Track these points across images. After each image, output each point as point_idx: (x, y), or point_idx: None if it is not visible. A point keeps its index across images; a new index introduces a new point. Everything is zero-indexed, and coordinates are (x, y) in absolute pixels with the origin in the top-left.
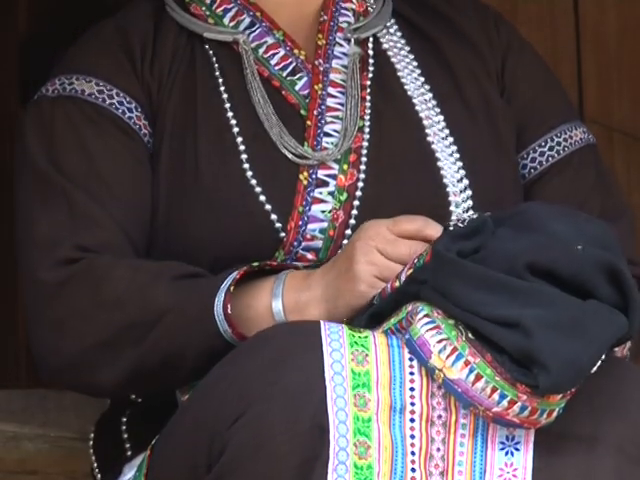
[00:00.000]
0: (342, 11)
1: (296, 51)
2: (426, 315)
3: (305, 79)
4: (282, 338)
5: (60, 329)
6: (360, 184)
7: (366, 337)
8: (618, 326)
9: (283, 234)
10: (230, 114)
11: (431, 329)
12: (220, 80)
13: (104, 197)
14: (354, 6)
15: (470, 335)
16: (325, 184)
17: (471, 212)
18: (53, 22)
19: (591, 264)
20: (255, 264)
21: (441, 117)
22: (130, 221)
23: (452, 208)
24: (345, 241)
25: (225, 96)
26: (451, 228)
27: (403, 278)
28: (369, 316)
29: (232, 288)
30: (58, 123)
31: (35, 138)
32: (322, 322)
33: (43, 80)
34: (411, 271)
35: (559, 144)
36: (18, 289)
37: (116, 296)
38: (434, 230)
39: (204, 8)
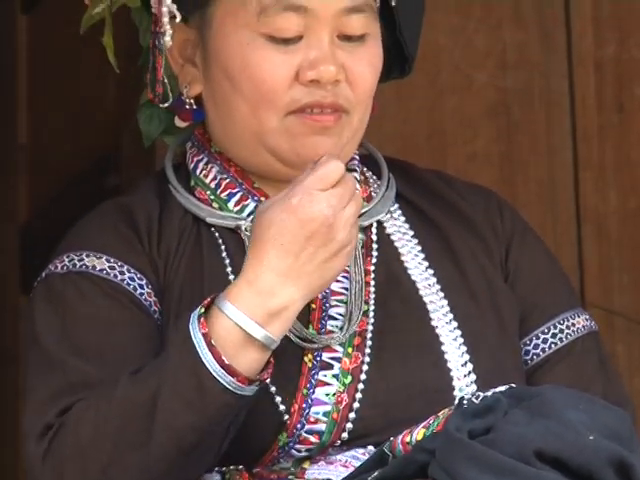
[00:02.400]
0: None
1: None
2: None
3: None
4: None
5: None
6: (365, 367)
7: None
8: None
9: (287, 416)
10: None
11: None
12: (227, 261)
13: (117, 370)
14: (358, 191)
15: None
16: (329, 367)
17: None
18: (53, 210)
19: (601, 456)
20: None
21: (445, 302)
22: None
23: (456, 392)
24: (349, 424)
25: (232, 277)
26: (465, 402)
27: (415, 436)
28: None
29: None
30: (70, 296)
31: (45, 315)
32: None
33: (43, 267)
34: (423, 432)
35: (562, 331)
36: None
37: (94, 428)
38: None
39: (209, 192)
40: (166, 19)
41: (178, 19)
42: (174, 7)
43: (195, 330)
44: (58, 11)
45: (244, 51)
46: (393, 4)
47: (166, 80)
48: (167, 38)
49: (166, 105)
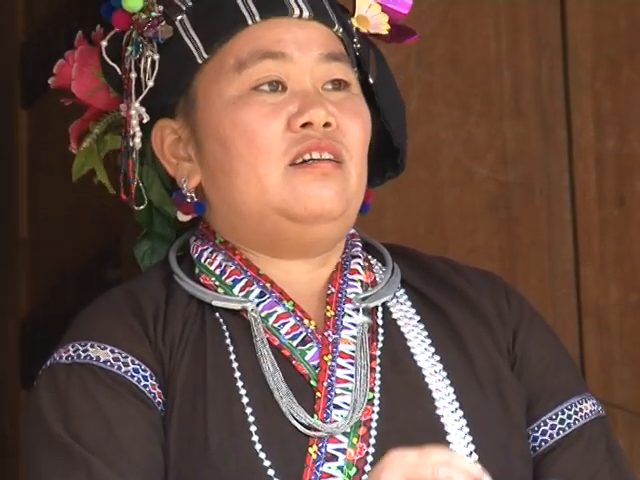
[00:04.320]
0: (350, 283)
1: (306, 321)
2: None
3: (315, 349)
4: None
5: None
6: (369, 458)
7: None
8: None
9: None
10: (240, 383)
11: None
12: (231, 348)
13: (123, 466)
14: (362, 277)
15: None
16: (334, 458)
17: None
18: (53, 304)
19: None
20: None
21: (451, 389)
22: None
23: None
24: None
25: (235, 365)
26: None
27: None
28: None
29: None
30: (73, 390)
31: (50, 405)
32: None
33: (43, 362)
34: None
35: (570, 417)
36: None
37: None
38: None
39: (214, 278)
40: (135, 121)
41: (145, 120)
42: (142, 110)
43: None
44: (58, 106)
45: (232, 110)
46: (371, 81)
47: (141, 183)
48: (137, 140)
49: (141, 208)
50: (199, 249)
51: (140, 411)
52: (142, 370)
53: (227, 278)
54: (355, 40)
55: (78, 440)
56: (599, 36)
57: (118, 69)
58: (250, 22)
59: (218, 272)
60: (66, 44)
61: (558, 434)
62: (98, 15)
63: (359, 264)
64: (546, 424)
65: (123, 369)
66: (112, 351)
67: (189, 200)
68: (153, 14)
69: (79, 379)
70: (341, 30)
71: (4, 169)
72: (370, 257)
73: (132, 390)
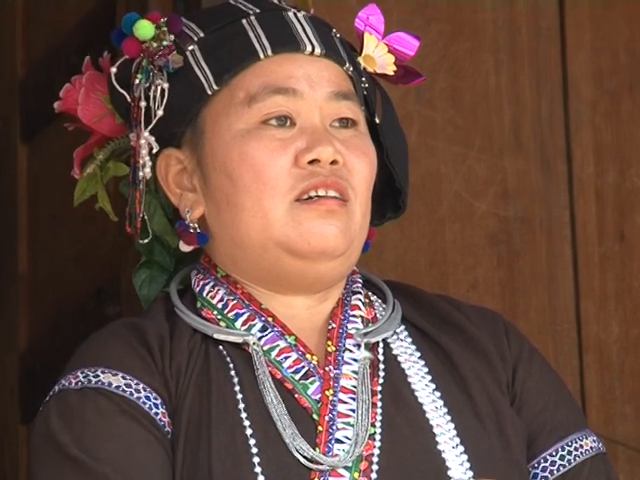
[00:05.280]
0: (350, 318)
1: (308, 356)
2: None
3: (317, 384)
4: None
5: None
6: None
7: None
8: None
9: None
10: (244, 414)
11: None
12: (235, 380)
13: None
14: (363, 313)
15: None
16: None
17: None
18: (53, 340)
19: None
20: None
21: (452, 425)
22: None
23: None
24: None
25: (240, 396)
26: None
27: None
28: None
29: None
30: (88, 412)
31: (63, 427)
32: None
33: (43, 395)
34: None
35: (570, 453)
36: None
37: None
38: None
39: (215, 312)
40: (145, 151)
41: (155, 150)
42: (152, 139)
43: None
44: (57, 140)
45: (240, 143)
46: (377, 121)
47: (146, 216)
48: (147, 170)
49: (146, 241)
50: (201, 283)
51: (155, 438)
52: (153, 398)
53: (229, 312)
54: (363, 79)
55: (95, 458)
56: (599, 70)
57: (127, 97)
58: (262, 56)
59: (220, 306)
60: (66, 78)
61: (558, 470)
62: (96, 49)
63: (360, 300)
64: (546, 460)
65: (135, 395)
66: (124, 377)
67: (192, 231)
68: (164, 43)
69: (93, 402)
70: (351, 68)
71: (4, 204)
72: (370, 294)
73: (147, 417)
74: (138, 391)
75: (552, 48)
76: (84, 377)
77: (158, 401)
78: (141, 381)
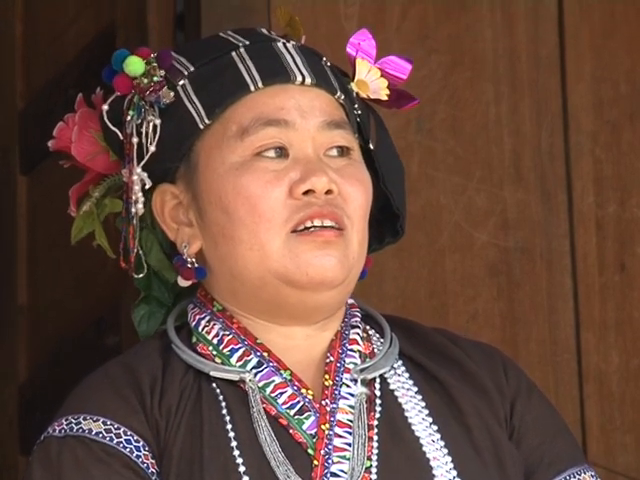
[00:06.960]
0: (348, 352)
1: (303, 390)
2: None
3: (313, 418)
4: None
5: None
6: None
7: None
8: None
9: None
10: (237, 452)
11: None
12: (227, 418)
13: None
14: (360, 348)
15: None
16: None
17: None
18: (52, 370)
19: None
20: None
21: (449, 458)
22: None
23: None
24: None
25: (232, 435)
26: None
27: None
28: None
29: None
30: (65, 463)
31: (40, 477)
32: None
33: (42, 428)
34: None
35: None
36: None
37: None
38: None
39: (211, 348)
40: (137, 187)
41: (148, 186)
42: (145, 175)
43: None
44: (57, 172)
45: (235, 176)
46: (372, 147)
47: (140, 250)
48: (139, 205)
49: (141, 276)
50: (197, 317)
51: None
52: (134, 441)
53: (224, 347)
54: (356, 106)
55: None
56: (599, 101)
57: (120, 134)
58: (252, 88)
59: (215, 341)
60: (65, 110)
61: None
62: (96, 81)
63: (358, 334)
64: None
65: (115, 440)
66: (104, 422)
67: (190, 265)
68: (155, 78)
69: (71, 453)
70: (343, 97)
71: (3, 235)
72: (368, 328)
73: (124, 461)
74: (118, 435)
75: (552, 78)
76: (67, 424)
77: (140, 443)
78: (122, 424)
